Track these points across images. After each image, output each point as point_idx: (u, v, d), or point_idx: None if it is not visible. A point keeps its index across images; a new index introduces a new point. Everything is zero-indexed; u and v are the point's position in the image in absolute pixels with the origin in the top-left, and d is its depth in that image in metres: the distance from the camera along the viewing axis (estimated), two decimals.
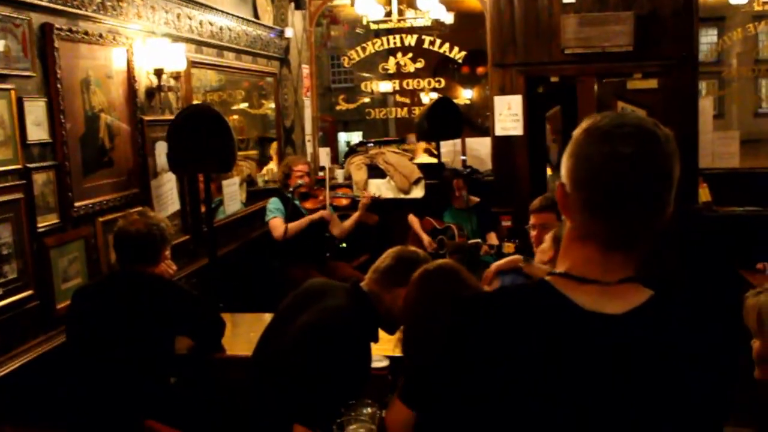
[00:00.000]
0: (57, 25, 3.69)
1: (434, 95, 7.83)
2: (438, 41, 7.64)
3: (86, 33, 3.95)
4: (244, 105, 6.51)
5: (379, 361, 3.13)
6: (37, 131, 3.57)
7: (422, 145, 7.75)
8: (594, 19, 6.64)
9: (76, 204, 3.85)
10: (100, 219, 4.06)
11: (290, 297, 3.08)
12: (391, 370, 3.16)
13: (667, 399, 1.31)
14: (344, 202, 6.75)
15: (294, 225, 5.72)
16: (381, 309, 2.90)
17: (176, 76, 4.85)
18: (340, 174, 7.44)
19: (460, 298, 1.66)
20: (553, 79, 6.91)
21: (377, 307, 2.90)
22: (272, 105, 7.01)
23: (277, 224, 5.82)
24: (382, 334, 2.98)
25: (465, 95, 9.20)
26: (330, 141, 9.76)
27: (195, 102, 5.18)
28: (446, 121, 6.74)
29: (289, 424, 2.63)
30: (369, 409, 2.54)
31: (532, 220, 4.15)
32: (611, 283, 1.36)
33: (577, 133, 1.41)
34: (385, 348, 3.09)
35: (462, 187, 6.23)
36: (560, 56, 6.78)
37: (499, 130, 7.02)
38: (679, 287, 1.44)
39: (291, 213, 5.74)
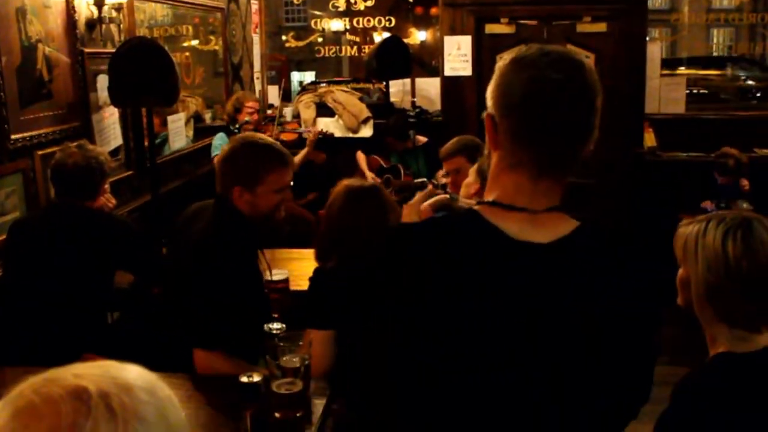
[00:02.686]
0: None
1: (387, 35, 7.77)
2: None
3: None
4: (191, 41, 6.39)
5: (279, 274, 3.15)
6: None
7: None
8: None
9: (13, 136, 3.77)
10: (39, 152, 3.99)
11: (174, 227, 3.07)
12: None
13: (589, 328, 1.34)
14: (292, 137, 6.70)
15: None
16: (245, 211, 2.80)
17: (118, 8, 4.74)
18: (288, 112, 7.37)
19: (391, 227, 1.68)
20: (503, 20, 6.89)
21: (242, 211, 2.81)
22: (220, 41, 6.90)
23: None
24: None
25: (418, 36, 9.14)
26: (282, 80, 9.63)
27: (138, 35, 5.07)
28: (396, 60, 6.71)
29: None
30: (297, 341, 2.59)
31: (445, 167, 4.14)
32: (538, 211, 1.37)
33: (501, 63, 1.40)
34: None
35: (394, 143, 6.26)
36: None
37: (449, 71, 7.00)
38: (603, 222, 1.47)
39: None
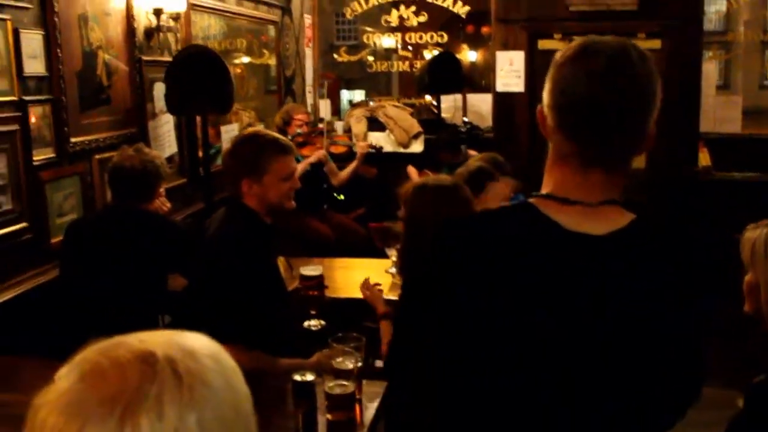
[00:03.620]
0: None
1: (438, 52, 7.78)
2: None
3: None
4: (244, 54, 6.46)
5: (312, 270, 3.13)
6: (34, 64, 3.56)
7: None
8: None
9: (73, 140, 3.85)
10: (97, 156, 4.06)
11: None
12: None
13: (641, 321, 1.32)
14: (342, 149, 6.72)
15: None
16: (255, 207, 2.86)
17: (176, 18, 4.81)
18: (339, 126, 7.41)
19: (446, 219, 1.66)
20: (556, 35, 6.85)
21: (253, 207, 2.86)
22: (273, 55, 6.97)
23: None
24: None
25: (469, 56, 9.12)
26: (332, 98, 9.70)
27: None
28: (447, 74, 6.70)
29: None
30: (354, 343, 2.56)
31: None
32: (593, 204, 1.35)
33: (556, 56, 1.40)
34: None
35: (445, 156, 6.24)
36: (565, 13, 6.71)
37: (501, 86, 6.97)
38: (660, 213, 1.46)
39: None
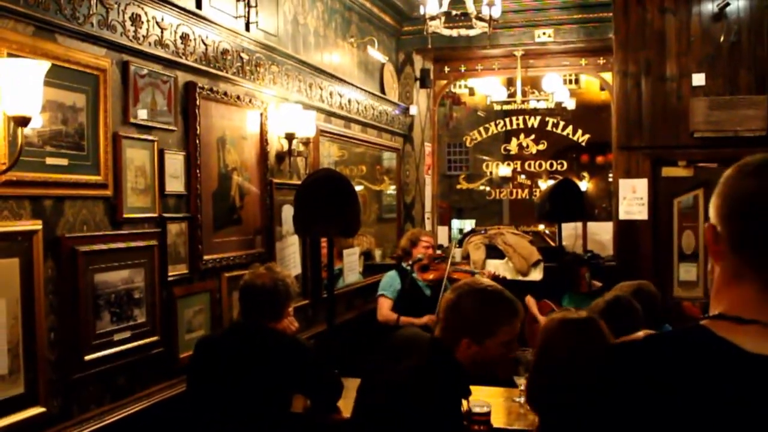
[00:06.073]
0: (200, 84, 3.86)
1: (552, 181, 7.78)
2: (561, 123, 7.60)
3: (225, 94, 4.11)
4: (366, 180, 6.59)
5: (479, 407, 2.96)
6: (175, 183, 3.70)
7: None
8: (725, 102, 6.46)
9: (205, 257, 3.93)
10: (226, 274, 4.13)
11: (377, 353, 2.98)
12: None
13: None
14: (464, 276, 6.66)
15: (406, 320, 5.55)
16: (464, 362, 2.59)
17: (306, 143, 4.96)
18: (457, 253, 7.38)
19: (614, 345, 1.57)
20: (681, 162, 6.71)
21: (461, 360, 2.58)
22: (394, 181, 7.09)
23: (382, 304, 5.66)
24: None
25: (581, 185, 9.09)
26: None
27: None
28: (568, 202, 6.63)
29: None
30: None
31: None
32: None
33: (727, 172, 1.35)
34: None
35: (587, 273, 6.07)
36: (689, 140, 6.59)
37: (623, 214, 6.83)
38: None
39: (409, 286, 5.66)
